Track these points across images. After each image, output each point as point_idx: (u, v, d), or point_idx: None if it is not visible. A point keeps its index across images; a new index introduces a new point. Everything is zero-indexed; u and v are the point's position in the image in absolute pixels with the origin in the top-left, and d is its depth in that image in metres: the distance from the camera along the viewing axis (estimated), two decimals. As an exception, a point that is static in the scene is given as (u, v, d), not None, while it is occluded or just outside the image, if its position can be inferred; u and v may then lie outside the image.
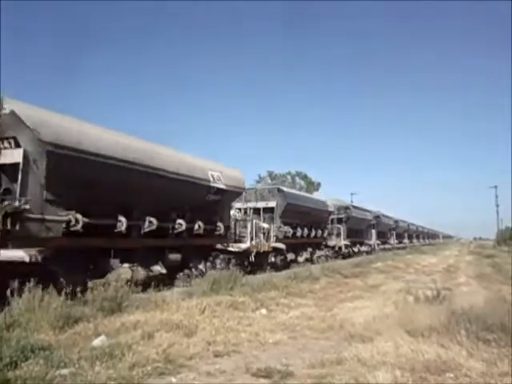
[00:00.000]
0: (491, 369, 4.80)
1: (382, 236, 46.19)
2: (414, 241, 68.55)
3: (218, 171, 15.07)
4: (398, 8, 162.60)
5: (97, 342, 5.67)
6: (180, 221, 12.97)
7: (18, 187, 8.48)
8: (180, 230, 13.01)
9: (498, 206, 68.47)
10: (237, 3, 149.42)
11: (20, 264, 7.96)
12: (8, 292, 7.08)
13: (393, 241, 51.03)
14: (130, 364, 4.82)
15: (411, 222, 67.01)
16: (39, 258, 8.21)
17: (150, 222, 11.60)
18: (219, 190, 14.78)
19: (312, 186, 61.27)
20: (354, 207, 36.34)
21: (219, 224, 15.20)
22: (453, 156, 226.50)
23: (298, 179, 62.49)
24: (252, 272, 16.67)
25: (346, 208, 33.34)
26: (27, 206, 8.41)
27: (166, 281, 12.17)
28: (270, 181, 52.94)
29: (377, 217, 42.30)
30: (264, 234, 19.08)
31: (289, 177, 61.64)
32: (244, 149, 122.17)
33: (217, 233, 15.15)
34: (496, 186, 69.13)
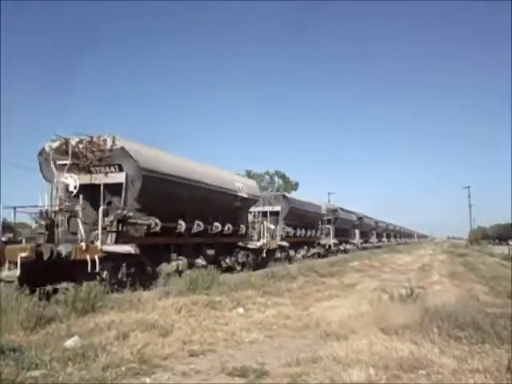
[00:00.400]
0: (462, 365, 4.90)
1: (365, 235, 49.10)
2: (392, 240, 71.02)
3: (241, 182, 18.60)
4: (397, 8, 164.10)
5: (69, 342, 5.57)
6: (216, 223, 15.95)
7: (121, 200, 11.63)
8: (216, 230, 15.99)
9: (470, 206, 70.38)
10: (237, 3, 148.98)
11: (125, 255, 11.18)
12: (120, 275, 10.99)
13: (373, 239, 54.50)
14: (104, 365, 4.75)
15: (389, 222, 68.58)
16: (138, 251, 11.37)
17: (198, 224, 14.80)
18: (243, 198, 18.09)
19: (290, 185, 61.64)
20: (341, 209, 38.70)
21: (242, 226, 18.46)
22: (427, 157, 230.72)
23: (276, 178, 62.89)
24: (261, 266, 19.47)
25: (335, 210, 36.42)
26: (131, 214, 11.52)
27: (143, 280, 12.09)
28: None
29: (360, 218, 45.32)
30: (270, 233, 22.08)
31: (267, 176, 61.91)
32: (220, 147, 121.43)
33: (239, 233, 18.33)
34: (469, 187, 71.10)
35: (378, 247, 50.84)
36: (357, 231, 43.96)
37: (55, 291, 9.32)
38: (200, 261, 15.16)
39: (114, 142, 11.60)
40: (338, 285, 13.47)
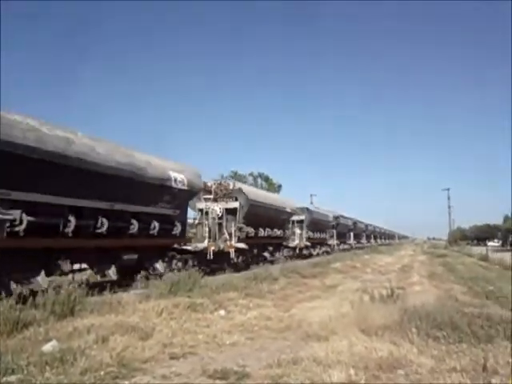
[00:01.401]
0: (440, 365, 4.98)
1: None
2: (372, 241, 70.19)
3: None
4: (396, 8, 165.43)
5: (47, 347, 5.47)
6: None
7: (237, 218, 20.16)
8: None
9: (450, 207, 71.62)
10: (237, 3, 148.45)
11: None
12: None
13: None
14: (82, 369, 4.67)
15: (369, 223, 68.54)
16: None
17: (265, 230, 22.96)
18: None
19: (273, 187, 61.85)
20: (315, 209, 37.04)
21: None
22: (409, 159, 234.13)
23: (260, 180, 63.04)
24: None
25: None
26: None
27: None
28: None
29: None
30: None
31: (250, 178, 61.96)
32: (206, 149, 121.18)
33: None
34: (448, 189, 72.35)
35: (357, 249, 48.75)
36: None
37: (33, 294, 9.13)
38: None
39: (234, 185, 21.21)
40: (320, 286, 13.54)
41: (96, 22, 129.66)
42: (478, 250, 41.71)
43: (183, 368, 5.11)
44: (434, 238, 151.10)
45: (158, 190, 13.92)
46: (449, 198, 71.97)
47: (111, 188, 11.76)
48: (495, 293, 11.10)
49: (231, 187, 20.34)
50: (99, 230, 11.43)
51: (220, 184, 20.53)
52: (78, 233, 10.78)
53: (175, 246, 15.90)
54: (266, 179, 63.46)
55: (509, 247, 70.30)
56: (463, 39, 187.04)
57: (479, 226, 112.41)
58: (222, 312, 8.41)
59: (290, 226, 30.21)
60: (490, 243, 79.10)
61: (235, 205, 20.77)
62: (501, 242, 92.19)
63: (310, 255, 32.93)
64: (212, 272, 16.72)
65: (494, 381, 4.47)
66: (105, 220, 11.51)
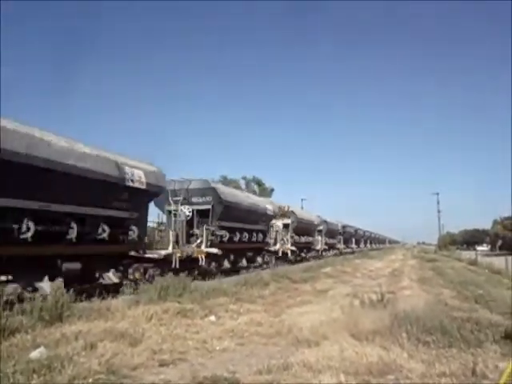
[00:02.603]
0: (430, 369, 4.99)
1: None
2: (362, 246, 70.15)
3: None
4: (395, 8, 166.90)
5: (35, 354, 5.38)
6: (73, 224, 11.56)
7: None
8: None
9: (439, 211, 72.12)
10: (236, 3, 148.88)
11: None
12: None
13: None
14: (70, 376, 4.60)
15: (358, 228, 68.56)
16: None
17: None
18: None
19: (266, 191, 61.94)
20: (301, 212, 36.32)
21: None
22: (399, 163, 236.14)
23: (252, 184, 63.09)
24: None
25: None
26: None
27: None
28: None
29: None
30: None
31: (243, 181, 62.05)
32: (196, 153, 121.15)
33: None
34: (438, 193, 72.84)
35: (347, 254, 48.11)
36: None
37: (20, 300, 8.99)
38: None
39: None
40: (311, 291, 13.52)
41: (96, 21, 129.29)
42: (468, 254, 42.04)
43: (173, 375, 5.06)
44: (423, 243, 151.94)
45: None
46: (438, 203, 72.49)
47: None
48: (484, 297, 11.18)
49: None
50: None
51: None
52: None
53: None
54: (259, 183, 63.59)
55: (497, 252, 71.05)
56: (454, 40, 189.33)
57: (468, 230, 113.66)
58: (213, 317, 8.35)
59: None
60: (479, 248, 79.97)
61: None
62: (489, 246, 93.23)
63: (296, 261, 32.16)
64: (202, 277, 16.44)
65: (483, 385, 4.49)
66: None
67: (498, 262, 25.02)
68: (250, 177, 63.70)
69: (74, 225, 11.14)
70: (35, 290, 10.04)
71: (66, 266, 11.08)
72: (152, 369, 5.27)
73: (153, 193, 14.71)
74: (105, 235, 12.21)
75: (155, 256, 14.88)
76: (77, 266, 11.40)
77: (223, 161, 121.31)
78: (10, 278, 9.89)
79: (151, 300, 9.26)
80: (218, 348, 6.31)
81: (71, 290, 8.37)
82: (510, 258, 22.15)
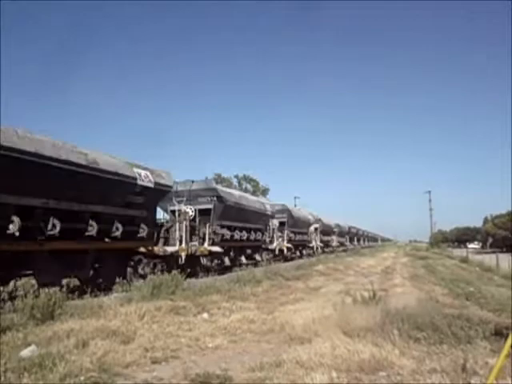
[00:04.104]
0: (421, 366, 5.03)
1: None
2: (355, 243, 70.71)
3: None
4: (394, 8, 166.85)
5: (26, 352, 5.36)
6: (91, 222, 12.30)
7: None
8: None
9: (431, 209, 72.67)
10: (237, 3, 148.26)
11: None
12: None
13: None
14: (62, 375, 4.59)
15: (352, 225, 68.91)
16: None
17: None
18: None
19: (259, 190, 61.71)
20: (296, 210, 36.56)
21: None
22: (392, 161, 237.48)
23: (245, 183, 62.80)
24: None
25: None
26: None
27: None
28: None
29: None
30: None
31: (235, 180, 61.83)
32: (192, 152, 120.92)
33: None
34: (429, 191, 73.38)
35: (340, 251, 48.27)
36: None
37: (12, 298, 8.95)
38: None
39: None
40: (303, 288, 13.55)
41: (96, 22, 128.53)
42: (459, 252, 42.36)
43: (165, 372, 5.06)
44: (415, 241, 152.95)
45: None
46: (430, 201, 73.03)
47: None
48: (475, 294, 11.29)
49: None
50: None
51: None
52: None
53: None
54: (252, 181, 63.21)
55: (488, 249, 71.67)
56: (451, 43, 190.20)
57: (460, 228, 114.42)
58: (205, 315, 8.35)
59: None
60: (470, 245, 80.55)
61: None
62: (481, 244, 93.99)
63: (292, 258, 32.52)
64: (195, 274, 16.50)
65: (473, 381, 4.54)
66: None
67: (489, 259, 25.25)
68: (242, 176, 63.43)
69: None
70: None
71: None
72: (144, 366, 5.27)
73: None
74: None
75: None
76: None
77: (217, 158, 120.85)
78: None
79: (144, 298, 9.24)
80: (210, 345, 6.31)
81: (64, 288, 8.34)
82: (500, 255, 22.36)
